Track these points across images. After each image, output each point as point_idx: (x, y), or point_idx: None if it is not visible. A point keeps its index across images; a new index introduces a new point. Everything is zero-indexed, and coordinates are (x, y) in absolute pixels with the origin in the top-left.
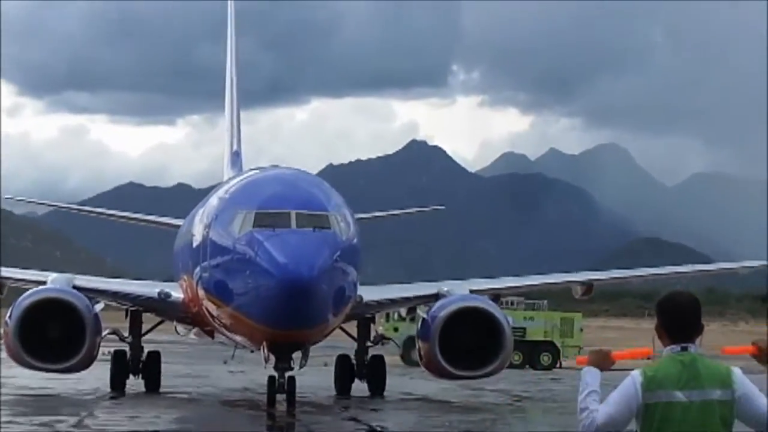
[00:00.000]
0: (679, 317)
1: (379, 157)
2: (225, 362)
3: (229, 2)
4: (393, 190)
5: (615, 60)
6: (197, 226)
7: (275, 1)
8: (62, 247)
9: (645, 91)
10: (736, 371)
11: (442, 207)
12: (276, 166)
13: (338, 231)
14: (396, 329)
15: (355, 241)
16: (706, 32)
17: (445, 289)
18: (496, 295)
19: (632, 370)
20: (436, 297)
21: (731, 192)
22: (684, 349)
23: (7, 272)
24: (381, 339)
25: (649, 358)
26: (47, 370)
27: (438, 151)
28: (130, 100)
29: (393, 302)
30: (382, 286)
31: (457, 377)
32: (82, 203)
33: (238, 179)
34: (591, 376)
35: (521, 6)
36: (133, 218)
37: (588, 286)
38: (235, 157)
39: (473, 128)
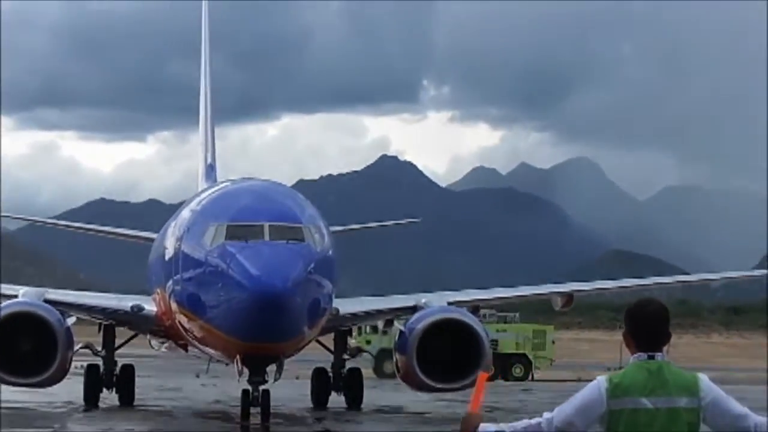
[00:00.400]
0: (647, 325)
1: (349, 173)
2: (197, 375)
3: (203, 15)
4: (364, 205)
5: (585, 74)
6: (169, 239)
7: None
8: (36, 262)
9: (615, 105)
10: (703, 378)
11: (418, 220)
12: (249, 178)
13: (312, 243)
14: (368, 342)
15: (330, 252)
16: (675, 46)
17: (423, 301)
18: (474, 307)
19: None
20: (414, 309)
21: (702, 205)
22: (651, 357)
23: None
24: (358, 351)
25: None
26: (19, 385)
27: (409, 166)
28: (101, 116)
29: (370, 314)
30: (358, 299)
31: (435, 389)
32: (55, 219)
33: (210, 191)
34: (490, 427)
35: (491, 21)
36: (110, 232)
37: (569, 297)
38: (210, 170)
39: (444, 143)
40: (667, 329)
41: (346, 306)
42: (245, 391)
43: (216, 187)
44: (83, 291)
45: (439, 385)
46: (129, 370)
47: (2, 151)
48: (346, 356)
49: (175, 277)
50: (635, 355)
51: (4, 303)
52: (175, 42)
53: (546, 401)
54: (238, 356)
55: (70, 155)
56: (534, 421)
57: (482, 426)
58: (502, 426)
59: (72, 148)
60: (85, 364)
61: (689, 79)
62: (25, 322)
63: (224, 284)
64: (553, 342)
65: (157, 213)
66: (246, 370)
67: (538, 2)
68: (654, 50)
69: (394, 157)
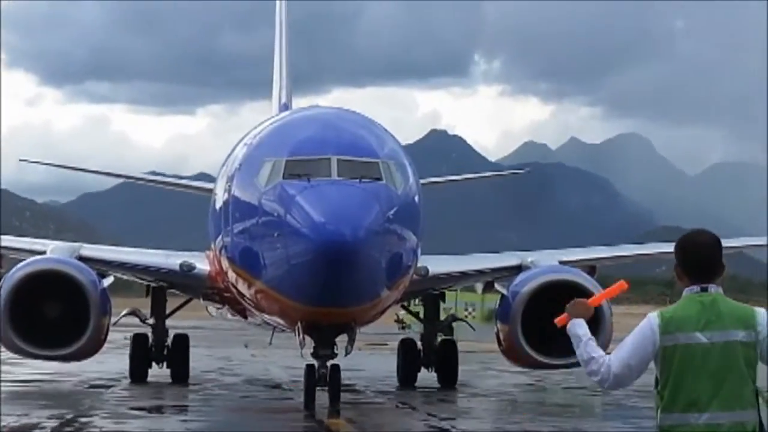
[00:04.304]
0: (699, 256)
1: None
2: (246, 346)
3: None
4: None
5: (637, 49)
6: (220, 182)
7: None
8: (85, 236)
9: (667, 80)
10: (761, 311)
11: (521, 171)
12: (316, 106)
13: (392, 183)
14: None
15: (416, 197)
16: (728, 21)
17: (530, 260)
18: (591, 267)
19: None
20: (518, 269)
21: (752, 181)
22: (704, 289)
23: (3, 241)
24: (453, 319)
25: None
26: (44, 357)
27: (458, 140)
28: (151, 89)
29: (465, 275)
30: (451, 257)
31: (542, 365)
32: (104, 193)
33: (267, 122)
34: (580, 326)
35: None
36: (166, 182)
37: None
38: (284, 109)
39: (494, 118)
40: (720, 259)
41: (436, 265)
42: (310, 367)
43: (276, 117)
44: None
45: (548, 361)
46: (183, 341)
47: (53, 125)
48: (439, 324)
49: (225, 228)
50: (687, 288)
51: (28, 260)
52: (227, 15)
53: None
54: (299, 324)
55: (120, 129)
56: (602, 356)
57: (579, 321)
58: (587, 336)
59: (122, 121)
60: (131, 334)
61: (742, 54)
62: (52, 282)
63: (281, 234)
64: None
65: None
66: (310, 341)
67: None
68: (706, 25)
69: (444, 132)
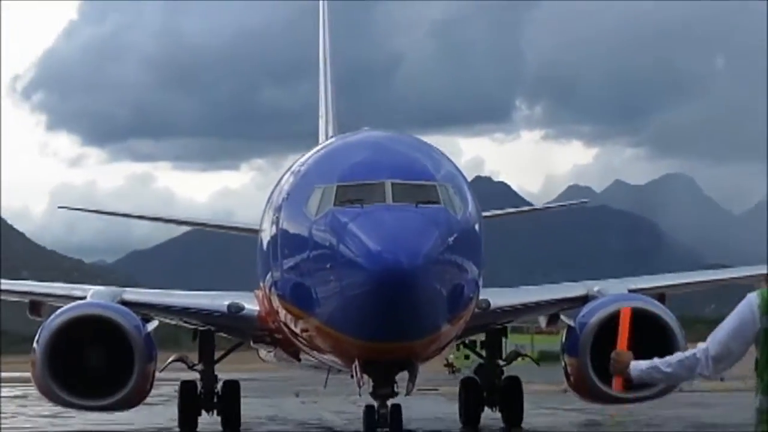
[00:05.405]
0: None
1: None
2: (297, 395)
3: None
4: None
5: (678, 88)
6: (266, 215)
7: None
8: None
9: (709, 118)
10: None
11: (587, 201)
12: (365, 129)
13: (452, 207)
14: (467, 357)
15: (476, 224)
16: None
17: (596, 289)
18: (660, 295)
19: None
20: (585, 299)
21: None
22: None
23: (39, 287)
24: (516, 356)
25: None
26: (86, 408)
27: (503, 186)
28: (194, 145)
29: (528, 308)
30: (512, 289)
31: (615, 400)
32: (152, 251)
33: (316, 149)
34: (637, 366)
35: (581, 38)
36: (216, 225)
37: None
38: None
39: (538, 162)
40: None
41: (497, 297)
42: (369, 408)
43: (324, 143)
44: None
45: (622, 395)
46: (233, 387)
47: (97, 184)
48: (501, 362)
49: (274, 263)
50: None
51: (68, 305)
52: (268, 70)
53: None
54: (357, 362)
55: (164, 186)
56: (689, 352)
57: (634, 363)
58: (656, 360)
59: (167, 178)
60: (179, 381)
61: None
62: (93, 328)
63: (334, 264)
64: None
65: (254, 241)
66: (369, 380)
67: (628, 18)
68: (747, 62)
69: (488, 178)
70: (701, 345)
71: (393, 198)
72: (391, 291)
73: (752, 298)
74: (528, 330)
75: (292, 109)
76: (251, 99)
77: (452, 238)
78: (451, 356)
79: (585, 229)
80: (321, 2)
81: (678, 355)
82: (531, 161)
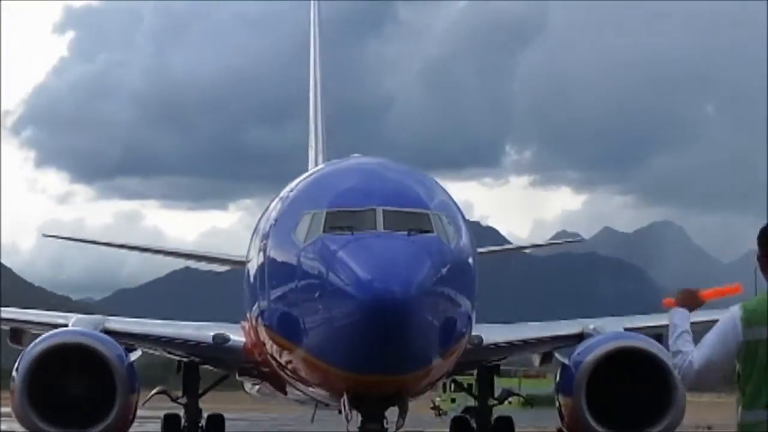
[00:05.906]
0: None
1: None
2: None
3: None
4: None
5: (667, 136)
6: (254, 242)
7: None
8: None
9: (699, 166)
10: None
11: (580, 239)
12: (356, 156)
13: (445, 236)
14: (453, 400)
15: (469, 256)
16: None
17: (592, 327)
18: (657, 336)
19: None
20: (580, 337)
21: None
22: None
23: (21, 315)
24: (508, 395)
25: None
26: None
27: (492, 231)
28: (183, 184)
29: (522, 344)
30: (506, 325)
31: None
32: (139, 289)
33: (305, 175)
34: (680, 316)
35: (571, 85)
36: (200, 256)
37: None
38: None
39: (526, 208)
40: None
41: (490, 333)
42: None
43: (314, 169)
44: None
45: None
46: (218, 421)
47: (85, 221)
48: (493, 401)
49: (261, 292)
50: None
51: (48, 333)
52: (257, 110)
53: None
54: (345, 395)
55: (153, 224)
56: (687, 355)
57: (680, 309)
58: (685, 335)
59: (155, 216)
60: (162, 414)
61: None
62: (75, 357)
63: (322, 293)
64: None
65: (241, 281)
66: (357, 415)
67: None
68: (737, 111)
69: (477, 222)
70: (689, 357)
71: (384, 225)
72: (381, 321)
73: (735, 311)
74: (515, 374)
75: (280, 149)
76: (240, 138)
77: (445, 269)
78: (438, 399)
79: (573, 275)
80: (312, 31)
81: (685, 345)
82: (520, 206)
